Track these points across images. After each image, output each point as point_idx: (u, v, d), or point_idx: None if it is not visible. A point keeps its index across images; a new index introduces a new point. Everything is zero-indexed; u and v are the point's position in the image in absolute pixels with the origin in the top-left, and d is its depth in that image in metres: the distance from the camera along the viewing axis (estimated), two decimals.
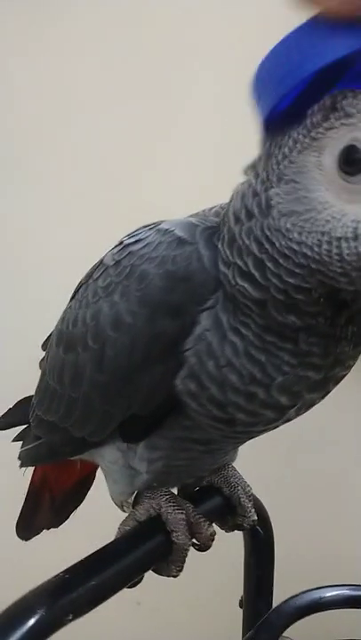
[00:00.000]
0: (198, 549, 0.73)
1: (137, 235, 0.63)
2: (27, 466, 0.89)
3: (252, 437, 0.71)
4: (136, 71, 1.41)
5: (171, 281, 0.58)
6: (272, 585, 0.95)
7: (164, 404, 0.63)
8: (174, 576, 0.71)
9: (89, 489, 0.92)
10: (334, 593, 0.95)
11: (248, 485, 0.81)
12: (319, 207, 0.51)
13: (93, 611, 0.61)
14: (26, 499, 0.94)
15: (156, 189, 1.35)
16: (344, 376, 0.65)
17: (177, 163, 1.37)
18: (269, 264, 0.54)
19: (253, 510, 0.80)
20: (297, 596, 0.95)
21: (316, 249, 0.52)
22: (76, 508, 0.94)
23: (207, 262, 0.58)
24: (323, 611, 0.95)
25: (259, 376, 0.59)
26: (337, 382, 0.64)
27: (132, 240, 0.63)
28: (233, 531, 0.82)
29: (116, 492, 0.76)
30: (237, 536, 0.93)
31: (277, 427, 0.69)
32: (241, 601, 0.97)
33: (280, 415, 0.63)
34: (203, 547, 0.72)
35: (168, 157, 1.38)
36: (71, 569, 0.64)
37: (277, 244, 0.53)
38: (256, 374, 0.59)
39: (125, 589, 0.66)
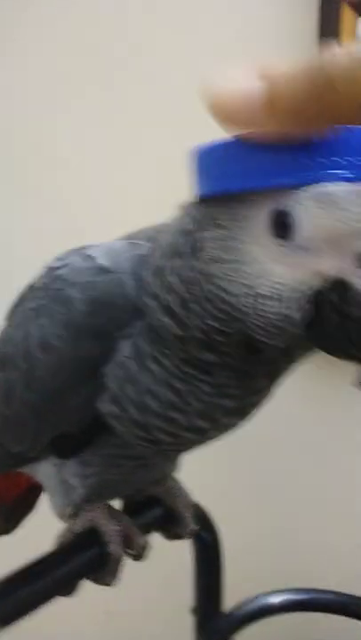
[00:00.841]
0: (134, 559, 0.75)
1: (64, 259, 0.66)
2: None
3: (185, 451, 0.74)
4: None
5: (93, 306, 0.61)
6: (221, 591, 0.98)
7: (91, 424, 0.66)
8: (109, 584, 0.74)
9: (39, 496, 0.94)
10: (281, 598, 0.99)
11: (189, 495, 0.84)
12: (248, 260, 0.52)
13: None
14: None
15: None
16: (264, 400, 0.68)
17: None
18: (193, 305, 0.56)
19: (192, 519, 0.83)
20: (245, 602, 0.99)
21: (240, 299, 0.53)
22: (26, 514, 0.96)
23: (130, 291, 0.61)
24: (270, 616, 0.98)
25: (177, 402, 0.61)
26: (257, 407, 0.67)
27: (59, 264, 0.65)
28: (175, 540, 0.85)
29: (55, 504, 0.79)
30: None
31: (206, 442, 0.72)
32: (193, 608, 1.00)
33: (200, 437, 0.66)
34: (137, 556, 0.75)
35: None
36: (4, 578, 0.67)
37: (204, 288, 0.55)
38: (175, 401, 0.61)
39: None
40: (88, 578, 0.74)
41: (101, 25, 1.44)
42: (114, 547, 0.72)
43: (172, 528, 0.83)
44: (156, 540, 0.83)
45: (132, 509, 0.82)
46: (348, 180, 0.48)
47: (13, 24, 1.49)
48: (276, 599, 0.99)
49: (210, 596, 0.97)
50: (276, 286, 0.51)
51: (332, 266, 0.50)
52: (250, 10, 1.28)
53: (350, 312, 0.50)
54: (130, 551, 0.75)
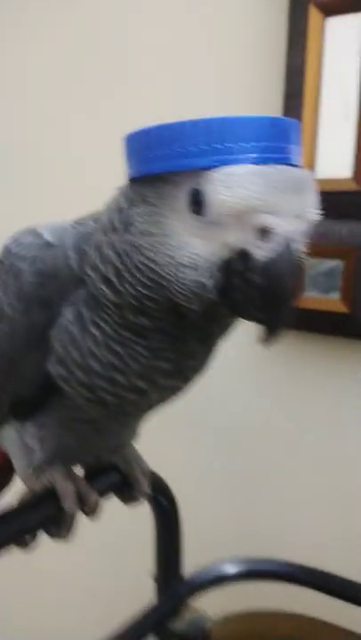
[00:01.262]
0: (87, 516, 0.82)
1: (16, 237, 0.73)
2: None
3: (137, 417, 0.81)
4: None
5: (40, 277, 0.68)
6: (180, 557, 1.04)
7: (44, 387, 0.73)
8: (64, 538, 0.80)
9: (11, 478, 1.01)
10: (235, 567, 1.05)
11: (144, 462, 0.91)
12: (170, 233, 0.60)
13: None
14: None
15: None
16: (203, 367, 0.75)
17: None
18: (126, 274, 0.63)
19: (147, 484, 0.89)
20: (203, 569, 1.05)
21: (164, 268, 0.61)
22: (3, 488, 1.03)
23: (72, 263, 0.68)
24: (224, 583, 1.04)
25: (117, 364, 0.68)
26: (197, 371, 0.74)
27: (12, 241, 0.73)
28: (132, 503, 0.91)
29: (18, 467, 0.86)
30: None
31: (153, 407, 0.79)
32: (154, 574, 1.06)
33: (142, 397, 0.72)
34: (89, 513, 0.81)
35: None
36: None
37: (134, 259, 0.62)
38: (115, 362, 0.68)
39: None
40: (47, 533, 0.81)
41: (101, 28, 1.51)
42: (68, 504, 0.79)
43: (128, 492, 0.90)
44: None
45: (92, 475, 0.88)
46: (249, 162, 0.55)
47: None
48: (231, 568, 1.05)
49: (169, 561, 1.03)
50: (193, 256, 0.59)
51: (236, 238, 0.57)
52: (221, 9, 1.34)
53: (252, 279, 0.57)
54: (85, 508, 0.81)
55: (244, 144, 0.56)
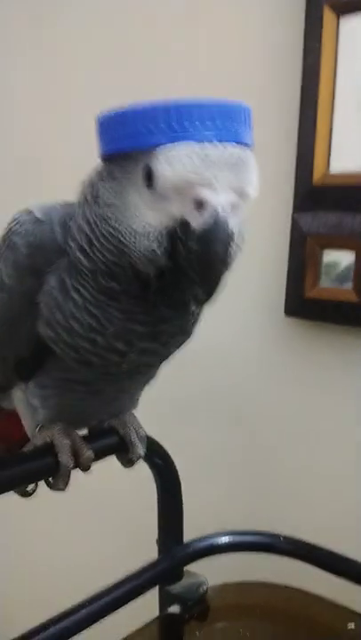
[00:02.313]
0: (81, 469, 0.90)
1: (15, 216, 0.83)
2: None
3: (132, 383, 0.89)
4: None
5: (30, 249, 0.78)
6: (181, 521, 1.11)
7: (39, 348, 0.83)
8: (61, 489, 0.89)
9: None
10: (234, 537, 1.11)
11: (141, 427, 0.99)
12: (130, 205, 0.69)
13: None
14: None
15: None
16: (184, 333, 0.83)
17: None
18: (96, 243, 0.73)
19: (141, 447, 0.97)
20: (202, 536, 1.11)
21: (125, 237, 0.70)
22: None
23: (58, 236, 0.78)
24: (224, 552, 1.10)
25: (95, 326, 0.77)
26: (175, 336, 0.82)
27: (11, 220, 0.83)
28: (130, 465, 0.99)
29: (27, 426, 0.96)
30: None
31: (143, 372, 0.88)
32: (157, 539, 1.14)
33: (122, 358, 0.80)
34: (83, 467, 0.90)
35: None
36: None
37: (101, 228, 0.72)
38: (93, 324, 0.77)
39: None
40: (47, 483, 0.91)
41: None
42: (63, 456, 0.88)
43: (124, 455, 0.98)
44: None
45: (93, 436, 0.97)
46: (194, 140, 0.63)
47: None
48: (230, 538, 1.11)
49: (170, 525, 1.10)
50: (146, 226, 0.67)
51: (179, 209, 0.65)
52: (236, 9, 1.40)
53: (191, 246, 0.65)
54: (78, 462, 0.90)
55: (193, 124, 0.64)
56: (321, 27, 1.25)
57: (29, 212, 0.81)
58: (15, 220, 0.82)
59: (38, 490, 1.01)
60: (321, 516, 1.33)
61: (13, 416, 1.00)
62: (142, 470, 1.06)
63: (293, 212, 1.32)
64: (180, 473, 1.09)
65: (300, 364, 1.38)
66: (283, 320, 1.37)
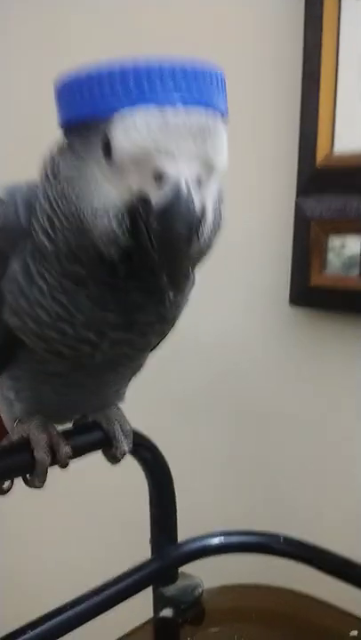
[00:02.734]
0: (59, 466, 0.86)
1: None
2: None
3: (100, 373, 0.84)
4: None
5: None
6: (173, 520, 1.06)
7: (8, 338, 0.78)
8: (38, 487, 0.85)
9: None
10: (230, 538, 1.06)
11: (127, 422, 0.94)
12: (90, 179, 0.63)
13: None
14: None
15: None
16: (163, 323, 0.77)
17: None
18: (57, 222, 0.66)
19: (126, 442, 0.92)
20: (196, 537, 1.06)
21: (86, 214, 0.63)
22: None
23: (21, 217, 0.72)
24: (218, 553, 1.05)
25: (63, 314, 0.71)
26: (153, 326, 0.76)
27: None
28: (115, 461, 0.95)
29: (4, 420, 0.92)
30: None
31: (122, 364, 0.83)
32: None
33: (94, 349, 0.75)
34: (60, 463, 0.86)
35: None
36: None
37: (62, 206, 0.65)
38: (60, 313, 0.71)
39: None
40: (24, 481, 0.87)
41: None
42: (39, 452, 0.84)
43: (109, 450, 0.93)
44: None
45: (75, 431, 0.93)
46: (154, 105, 0.57)
47: None
48: (225, 539, 1.06)
49: (162, 523, 1.06)
50: (106, 203, 0.61)
51: (136, 182, 0.59)
52: None
53: (150, 223, 0.58)
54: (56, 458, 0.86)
55: (153, 86, 0.57)
56: (322, 6, 1.18)
57: None
58: None
59: (25, 488, 0.97)
60: (326, 516, 1.27)
61: None
62: (136, 466, 1.02)
63: (296, 196, 1.26)
64: (177, 469, 1.04)
65: (306, 355, 1.31)
66: (287, 309, 1.30)
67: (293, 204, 1.26)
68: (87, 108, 0.61)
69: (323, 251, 1.24)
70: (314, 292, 1.26)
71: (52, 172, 0.67)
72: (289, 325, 1.31)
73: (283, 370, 1.34)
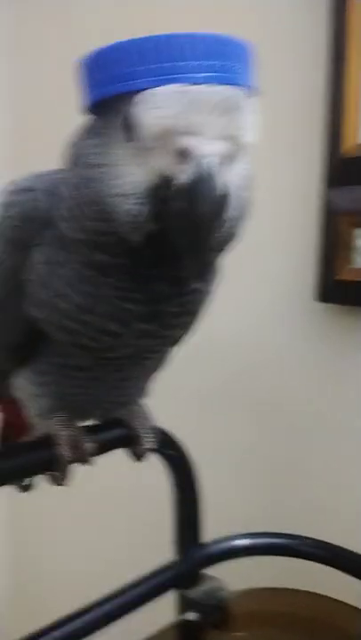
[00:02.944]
0: (82, 463, 0.83)
1: (2, 189, 0.76)
2: None
3: (124, 367, 0.81)
4: None
5: (14, 220, 0.71)
6: (198, 520, 1.02)
7: (32, 331, 0.76)
8: (60, 484, 0.82)
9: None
10: (256, 539, 1.02)
11: (151, 418, 0.91)
12: (112, 163, 0.60)
13: None
14: None
15: None
16: (189, 315, 0.74)
17: None
18: (80, 209, 0.64)
19: (150, 439, 0.89)
20: (221, 538, 1.03)
21: (109, 198, 0.61)
22: None
23: (43, 205, 0.70)
24: (242, 555, 1.02)
25: (86, 305, 0.69)
26: (178, 317, 0.73)
27: (2, 191, 0.76)
28: (139, 459, 0.92)
29: (30, 416, 0.89)
30: None
31: (147, 357, 0.80)
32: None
33: (118, 341, 0.72)
34: (83, 460, 0.83)
35: None
36: None
37: (84, 192, 0.63)
38: (83, 303, 0.69)
39: None
40: (46, 478, 0.84)
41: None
42: (62, 449, 0.81)
43: (133, 448, 0.90)
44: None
45: (98, 428, 0.90)
46: (179, 82, 0.54)
47: None
48: (251, 540, 1.03)
49: (187, 523, 1.02)
50: (128, 185, 0.59)
51: (161, 162, 0.56)
52: None
53: (175, 205, 0.56)
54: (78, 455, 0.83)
55: (177, 63, 0.54)
56: None
57: (14, 183, 0.74)
58: (4, 191, 0.75)
59: (45, 486, 0.94)
60: (351, 518, 1.23)
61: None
62: (159, 464, 0.99)
63: (322, 188, 1.22)
64: (200, 470, 1.01)
65: (333, 353, 1.27)
66: (312, 305, 1.27)
67: (319, 196, 1.22)
68: (109, 87, 0.58)
69: (349, 244, 1.21)
70: (340, 287, 1.22)
71: (75, 157, 0.65)
72: (314, 321, 1.28)
73: (307, 366, 1.31)
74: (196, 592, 1.03)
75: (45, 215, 0.69)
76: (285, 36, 1.26)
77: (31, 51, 1.80)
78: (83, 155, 0.63)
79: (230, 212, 0.60)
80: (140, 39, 0.55)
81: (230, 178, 0.58)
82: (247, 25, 1.29)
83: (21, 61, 1.82)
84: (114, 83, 0.57)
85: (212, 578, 1.05)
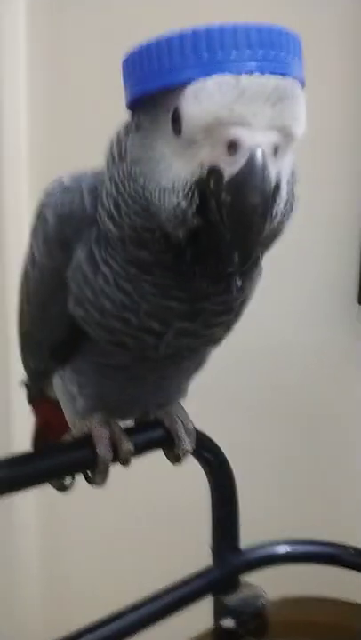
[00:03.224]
0: (121, 463, 0.83)
1: (46, 187, 0.76)
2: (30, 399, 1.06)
3: (163, 366, 0.80)
4: None
5: (58, 219, 0.71)
6: (235, 525, 1.01)
7: (72, 330, 0.76)
8: (99, 484, 0.82)
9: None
10: (296, 547, 1.00)
11: (190, 420, 0.90)
12: (158, 157, 0.60)
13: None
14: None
15: None
16: (229, 313, 0.73)
17: None
18: (123, 205, 0.64)
19: (188, 441, 0.88)
20: (260, 544, 1.01)
21: (154, 194, 0.60)
22: None
23: (87, 204, 0.70)
24: (279, 563, 1.00)
25: (127, 303, 0.69)
26: (219, 316, 0.72)
27: (43, 192, 0.76)
28: (177, 461, 0.91)
29: (67, 416, 0.89)
30: None
31: (185, 357, 0.79)
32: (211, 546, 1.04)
33: (159, 340, 0.72)
34: (122, 460, 0.82)
35: None
36: (11, 455, 0.78)
37: (128, 188, 0.63)
38: (125, 301, 0.69)
39: None
40: (85, 478, 0.84)
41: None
42: (101, 448, 0.81)
43: (171, 449, 0.90)
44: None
45: (136, 428, 0.90)
46: (227, 72, 0.53)
47: None
48: (291, 548, 1.00)
49: (224, 528, 1.01)
50: (174, 180, 0.58)
51: (207, 155, 0.55)
52: None
53: (223, 198, 0.54)
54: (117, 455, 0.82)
55: (227, 53, 0.53)
56: None
57: (59, 181, 0.74)
58: (45, 191, 0.75)
59: (85, 488, 0.94)
60: None
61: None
62: (197, 468, 0.97)
63: None
64: (238, 476, 0.99)
65: None
66: (355, 309, 1.24)
67: None
68: (156, 80, 0.57)
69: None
70: None
71: (119, 153, 0.64)
72: (357, 325, 1.25)
73: (350, 370, 1.28)
74: (233, 599, 1.01)
75: (87, 214, 0.70)
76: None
77: (72, 47, 1.81)
78: (128, 151, 0.63)
79: (280, 206, 0.58)
80: (190, 30, 0.54)
81: (280, 168, 0.57)
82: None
83: (63, 59, 1.83)
84: (160, 76, 0.56)
85: (250, 585, 1.03)
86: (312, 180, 1.23)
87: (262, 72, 0.53)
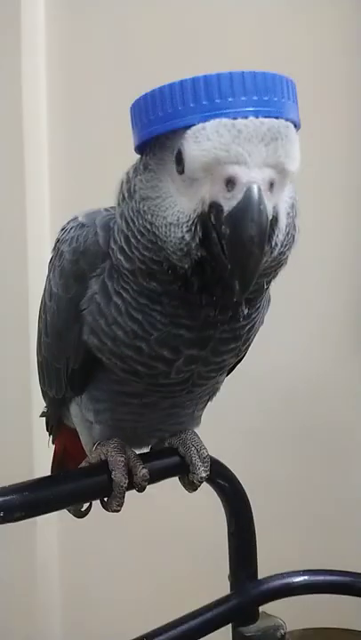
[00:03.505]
0: (136, 489, 0.85)
1: (63, 225, 0.82)
2: (48, 427, 1.09)
3: (175, 393, 0.83)
4: None
5: (74, 254, 0.76)
6: (253, 554, 1.01)
7: (88, 358, 0.80)
8: (115, 510, 0.84)
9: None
10: (307, 577, 0.99)
11: (204, 448, 0.92)
12: (164, 195, 0.65)
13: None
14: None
15: None
16: (237, 341, 0.76)
17: None
18: (133, 240, 0.69)
19: (203, 469, 0.90)
20: (278, 574, 1.01)
21: (159, 229, 0.65)
22: None
23: (100, 240, 0.75)
24: (299, 593, 0.99)
25: (139, 332, 0.73)
26: (228, 344, 0.75)
27: (60, 230, 0.82)
28: (192, 488, 0.92)
29: (84, 443, 0.92)
30: None
31: (197, 384, 0.81)
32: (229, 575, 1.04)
33: (169, 367, 0.75)
34: (138, 486, 0.84)
35: None
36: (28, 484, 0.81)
37: (137, 224, 0.68)
38: (137, 330, 0.73)
39: None
40: (101, 504, 0.86)
41: None
42: (117, 474, 0.83)
43: (186, 476, 0.91)
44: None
45: (152, 455, 0.92)
46: (225, 116, 0.58)
47: None
48: (312, 577, 1.00)
49: (241, 557, 1.01)
50: (178, 214, 0.63)
51: (208, 191, 0.59)
52: None
53: (223, 230, 0.58)
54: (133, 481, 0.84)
55: (225, 100, 0.58)
56: None
57: (74, 219, 0.79)
58: (63, 229, 0.81)
59: (104, 515, 0.96)
60: None
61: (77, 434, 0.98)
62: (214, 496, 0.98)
63: None
64: (256, 505, 1.00)
65: None
66: None
67: None
68: (161, 125, 0.62)
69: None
70: None
71: (129, 192, 0.69)
72: None
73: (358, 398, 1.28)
74: (253, 629, 1.01)
75: (101, 249, 0.74)
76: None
77: (82, 94, 1.89)
78: (136, 189, 0.68)
79: (278, 237, 0.62)
80: (190, 79, 0.60)
81: (277, 201, 0.61)
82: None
83: (75, 104, 1.91)
84: (165, 121, 0.62)
85: (269, 616, 1.02)
86: (320, 214, 1.27)
87: (257, 116, 0.58)
